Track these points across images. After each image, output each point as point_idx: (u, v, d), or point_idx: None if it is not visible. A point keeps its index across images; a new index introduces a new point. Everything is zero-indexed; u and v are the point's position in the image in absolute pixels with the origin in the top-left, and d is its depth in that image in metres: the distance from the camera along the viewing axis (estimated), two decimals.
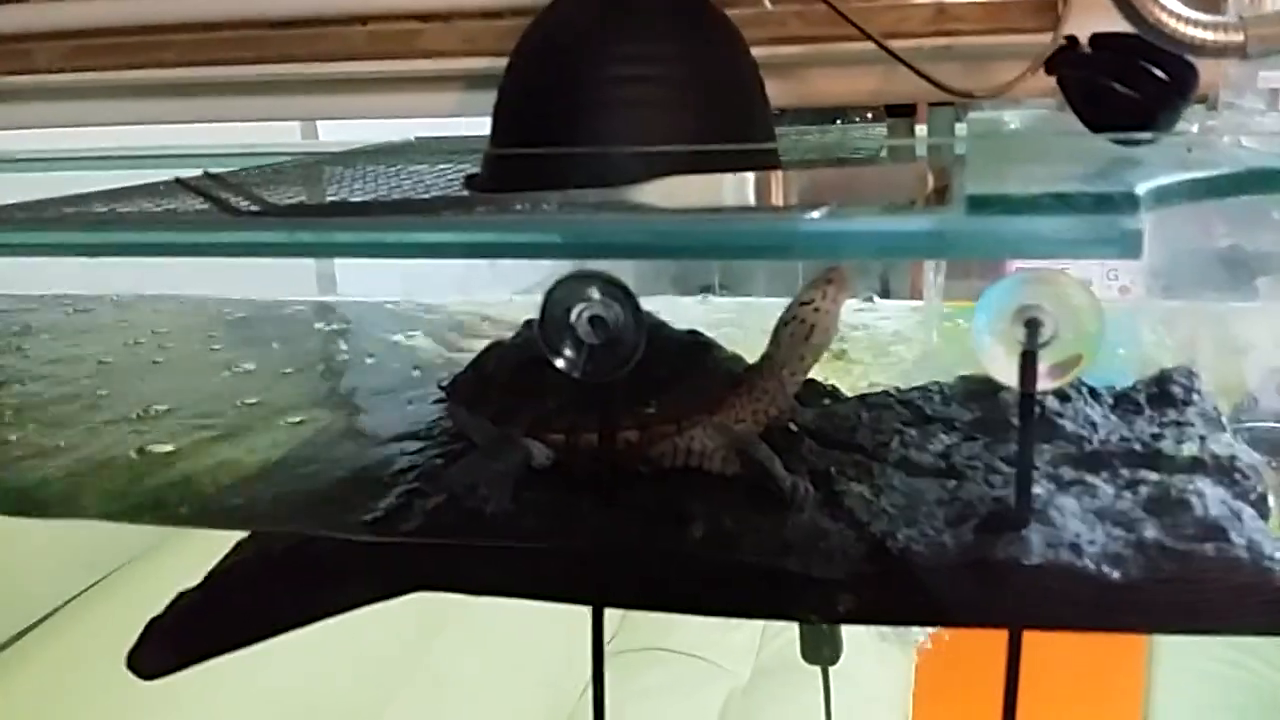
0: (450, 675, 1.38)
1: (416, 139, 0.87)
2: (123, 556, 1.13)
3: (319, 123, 1.40)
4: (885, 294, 1.02)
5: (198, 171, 0.56)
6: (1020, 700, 0.46)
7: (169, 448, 0.64)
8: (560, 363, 0.50)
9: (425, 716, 1.33)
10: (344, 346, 0.87)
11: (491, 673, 1.43)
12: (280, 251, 0.48)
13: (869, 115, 0.81)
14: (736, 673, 1.69)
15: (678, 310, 0.60)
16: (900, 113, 0.71)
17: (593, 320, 0.49)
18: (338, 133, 1.20)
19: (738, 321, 0.84)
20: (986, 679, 0.48)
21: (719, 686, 1.66)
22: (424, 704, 1.33)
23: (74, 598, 1.10)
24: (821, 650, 0.81)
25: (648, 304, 0.49)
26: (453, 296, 1.01)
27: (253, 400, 0.71)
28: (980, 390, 0.62)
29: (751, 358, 0.57)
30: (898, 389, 0.65)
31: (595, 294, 0.49)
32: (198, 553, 0.58)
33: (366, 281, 1.23)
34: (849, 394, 0.64)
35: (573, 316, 0.50)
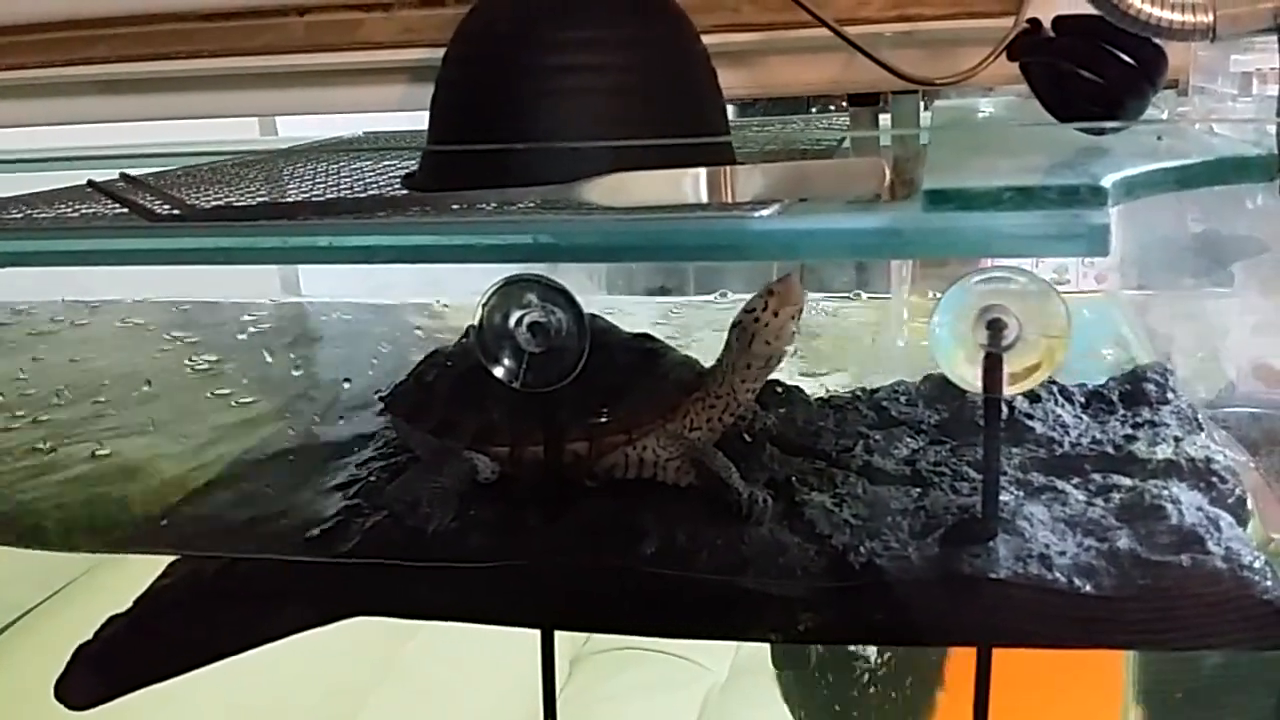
0: (422, 678, 1.36)
1: (365, 134, 0.84)
2: (76, 570, 1.09)
3: (279, 119, 1.37)
4: (861, 287, 0.99)
5: (116, 174, 0.52)
6: (1000, 662, 0.44)
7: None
8: (499, 372, 0.48)
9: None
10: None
11: (463, 675, 1.40)
12: (196, 258, 0.45)
13: (842, 104, 0.78)
14: (715, 671, 1.66)
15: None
16: (863, 102, 0.68)
17: (532, 327, 0.47)
18: (298, 129, 1.16)
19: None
20: (967, 661, 0.46)
21: (698, 685, 1.63)
22: (395, 708, 1.31)
23: (31, 610, 1.07)
24: (792, 656, 0.79)
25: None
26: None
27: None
28: (946, 391, 0.60)
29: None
30: (862, 390, 0.62)
31: (534, 299, 0.47)
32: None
33: (333, 281, 1.20)
34: (810, 396, 0.62)
35: (511, 323, 0.47)
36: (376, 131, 0.85)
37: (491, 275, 0.47)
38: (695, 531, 0.49)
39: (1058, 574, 0.43)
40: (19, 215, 0.52)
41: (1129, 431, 0.54)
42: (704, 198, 0.45)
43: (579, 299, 0.46)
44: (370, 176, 0.60)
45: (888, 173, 0.42)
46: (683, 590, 0.47)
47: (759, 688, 1.59)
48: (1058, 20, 0.50)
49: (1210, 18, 0.42)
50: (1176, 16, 0.42)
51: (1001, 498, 0.47)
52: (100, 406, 0.72)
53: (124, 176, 0.52)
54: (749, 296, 0.51)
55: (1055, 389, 0.58)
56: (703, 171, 0.45)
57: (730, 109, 0.63)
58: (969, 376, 0.43)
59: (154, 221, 0.47)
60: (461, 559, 0.49)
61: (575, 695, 1.56)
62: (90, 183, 0.50)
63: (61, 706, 0.55)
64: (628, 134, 0.49)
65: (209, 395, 0.74)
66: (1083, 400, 0.58)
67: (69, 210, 0.52)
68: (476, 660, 1.40)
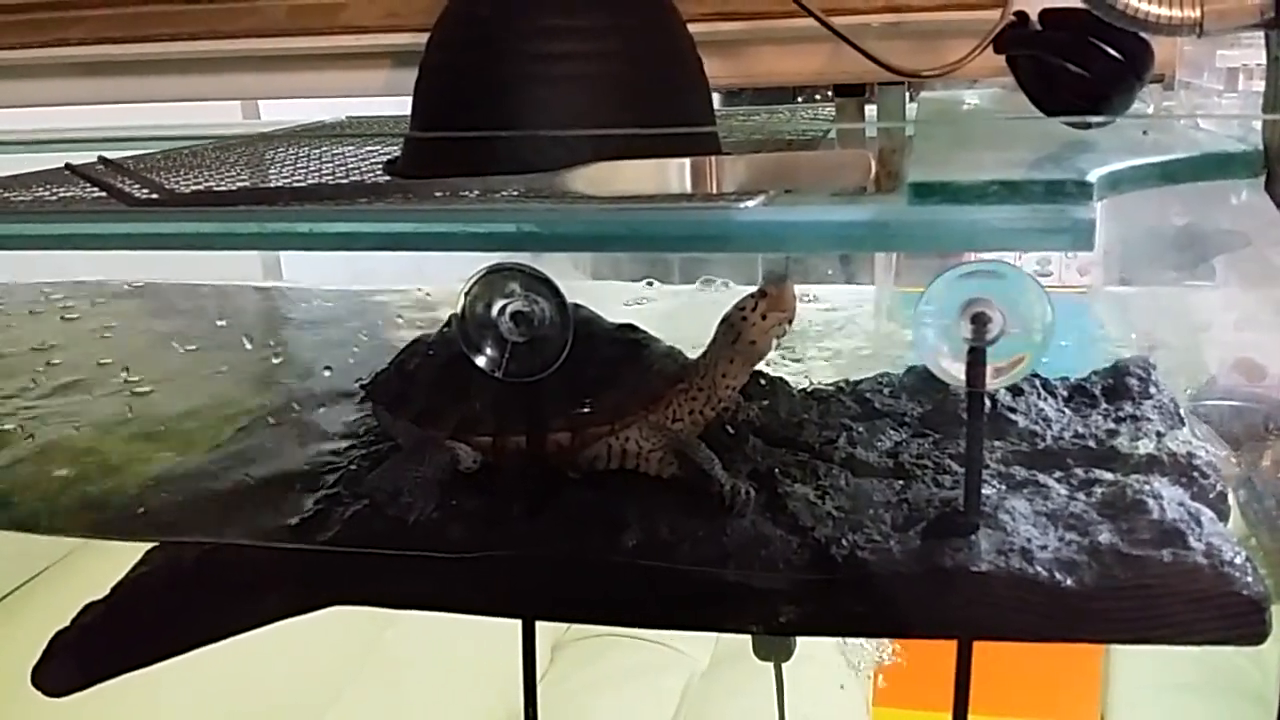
0: (401, 666, 1.35)
1: (348, 119, 0.83)
2: (54, 555, 1.09)
3: (261, 104, 1.35)
4: (845, 279, 0.99)
5: (94, 158, 0.52)
6: (976, 661, 0.44)
7: None
8: (482, 361, 0.47)
9: (375, 709, 1.30)
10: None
11: (443, 664, 1.40)
12: (174, 243, 0.45)
13: (828, 95, 0.78)
14: (696, 658, 1.67)
15: None
16: (849, 93, 0.68)
17: (515, 316, 0.47)
18: (280, 113, 1.15)
19: None
20: (948, 651, 0.46)
21: (679, 672, 1.64)
22: (374, 696, 1.30)
23: (7, 595, 1.06)
24: (773, 647, 0.78)
25: None
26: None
27: None
28: (929, 383, 0.60)
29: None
30: (846, 382, 0.62)
31: (517, 288, 0.46)
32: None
33: (314, 267, 1.19)
34: (795, 388, 0.61)
35: (494, 312, 0.47)
36: (359, 117, 0.84)
37: (474, 264, 0.47)
38: (678, 523, 0.48)
39: (1039, 568, 0.43)
40: None
41: (1111, 426, 0.54)
42: (689, 188, 0.44)
43: (562, 287, 0.46)
44: (352, 162, 0.59)
45: (873, 165, 0.41)
46: (665, 581, 0.47)
47: (740, 675, 1.60)
48: (1045, 14, 0.50)
49: (1198, 12, 0.42)
50: (1164, 11, 0.42)
51: (984, 491, 0.47)
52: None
53: (102, 160, 0.51)
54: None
55: (1038, 382, 0.58)
56: (688, 161, 0.45)
57: (715, 98, 0.63)
58: (952, 370, 0.43)
59: (132, 206, 0.47)
60: (443, 549, 0.49)
61: (556, 682, 1.56)
62: (68, 166, 0.49)
63: (39, 693, 0.55)
64: (613, 122, 0.49)
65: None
66: (1065, 394, 0.58)
67: (46, 194, 0.51)
68: (456, 648, 1.40)
